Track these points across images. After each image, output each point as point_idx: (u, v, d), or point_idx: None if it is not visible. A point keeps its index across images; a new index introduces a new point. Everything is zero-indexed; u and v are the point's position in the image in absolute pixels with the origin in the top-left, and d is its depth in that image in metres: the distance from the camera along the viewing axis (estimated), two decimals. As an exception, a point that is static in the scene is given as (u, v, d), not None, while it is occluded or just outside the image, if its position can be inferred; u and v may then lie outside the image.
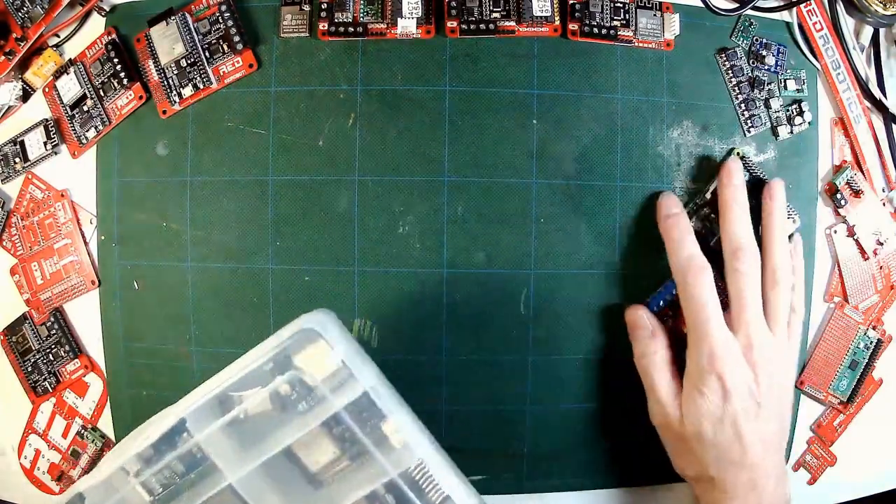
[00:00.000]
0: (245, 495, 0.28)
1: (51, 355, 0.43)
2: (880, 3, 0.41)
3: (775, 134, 0.41)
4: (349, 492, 0.29)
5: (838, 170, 0.43)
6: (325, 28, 0.39)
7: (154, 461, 0.29)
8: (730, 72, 0.41)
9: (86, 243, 0.42)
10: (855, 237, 0.43)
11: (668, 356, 0.38)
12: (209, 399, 0.28)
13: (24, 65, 0.42)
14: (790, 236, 0.40)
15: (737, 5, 0.41)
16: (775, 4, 0.41)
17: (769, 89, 0.41)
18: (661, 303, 0.40)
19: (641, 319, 0.39)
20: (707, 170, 0.41)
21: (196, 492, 0.29)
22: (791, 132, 0.41)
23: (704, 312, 0.35)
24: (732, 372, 0.34)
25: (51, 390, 0.43)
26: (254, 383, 0.28)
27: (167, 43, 0.39)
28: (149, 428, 0.29)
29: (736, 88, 0.41)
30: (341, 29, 0.38)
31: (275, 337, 0.29)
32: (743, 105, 0.41)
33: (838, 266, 0.43)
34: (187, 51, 0.39)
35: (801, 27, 0.42)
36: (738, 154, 0.40)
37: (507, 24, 0.39)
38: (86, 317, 0.42)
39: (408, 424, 0.29)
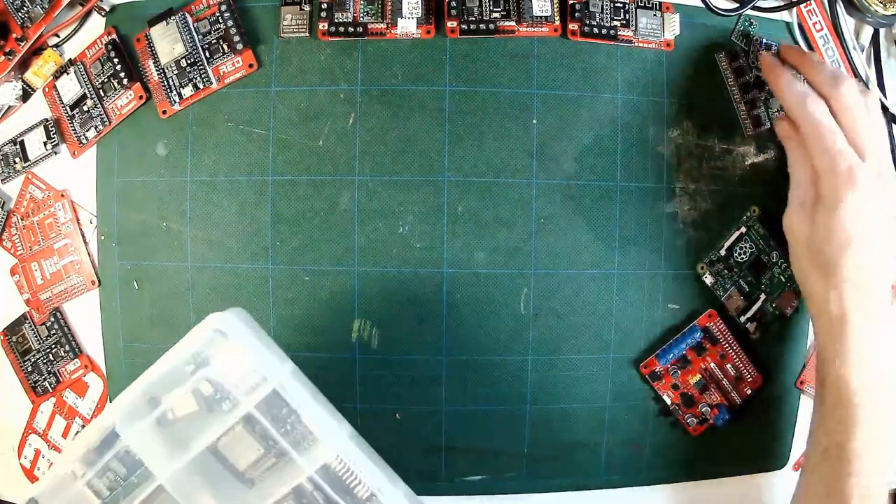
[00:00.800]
0: (176, 495, 0.28)
1: (51, 355, 0.43)
2: (880, 3, 0.41)
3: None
4: (276, 489, 0.29)
5: (838, 170, 0.43)
6: (325, 28, 0.39)
7: (96, 464, 0.29)
8: (729, 72, 0.41)
9: (86, 243, 0.42)
10: (855, 237, 0.43)
11: None
12: (134, 400, 0.29)
13: (24, 65, 0.42)
14: None
15: (737, 5, 0.41)
16: (775, 4, 0.41)
17: (769, 89, 0.41)
18: (671, 356, 0.40)
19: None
20: (707, 170, 0.41)
21: (135, 494, 0.29)
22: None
23: (834, 133, 0.36)
24: (869, 188, 0.35)
25: (51, 390, 0.43)
26: (175, 384, 0.29)
27: (167, 43, 0.39)
28: (89, 431, 0.30)
29: (735, 89, 0.41)
30: (341, 29, 0.38)
31: (186, 338, 0.29)
32: (743, 105, 0.41)
33: (838, 266, 0.43)
34: (187, 51, 0.39)
35: (801, 27, 0.42)
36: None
37: (507, 24, 0.39)
38: (86, 317, 0.42)
39: (323, 421, 0.29)
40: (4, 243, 0.43)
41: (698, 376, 0.41)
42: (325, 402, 0.30)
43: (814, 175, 0.36)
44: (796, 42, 0.42)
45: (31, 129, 0.42)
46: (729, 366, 0.41)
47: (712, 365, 0.41)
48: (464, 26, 0.38)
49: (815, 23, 0.42)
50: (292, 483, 0.29)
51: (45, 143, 0.42)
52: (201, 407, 0.29)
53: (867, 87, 0.42)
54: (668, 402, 0.41)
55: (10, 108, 0.42)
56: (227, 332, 0.29)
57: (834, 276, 0.35)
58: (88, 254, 0.42)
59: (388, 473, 0.31)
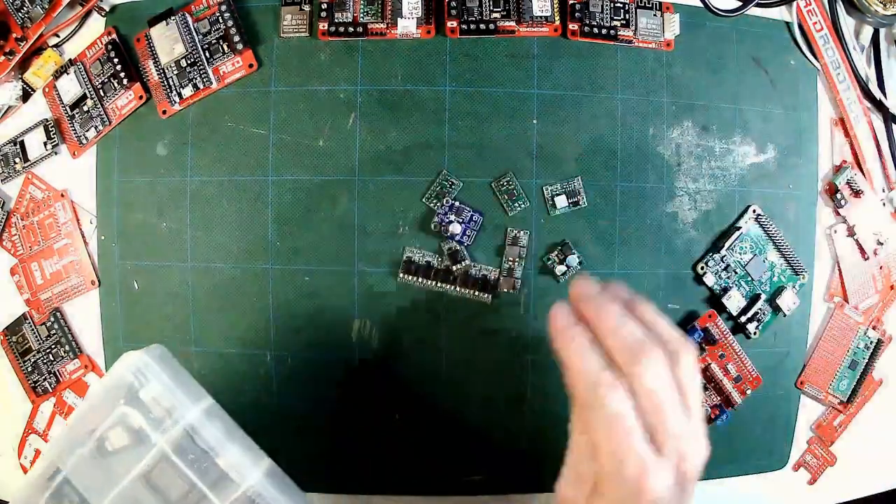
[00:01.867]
0: None
1: (51, 355, 0.43)
2: (880, 3, 0.41)
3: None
4: None
5: (838, 170, 0.43)
6: (325, 28, 0.39)
7: (46, 491, 0.30)
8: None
9: (86, 243, 0.42)
10: (855, 237, 0.43)
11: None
12: (69, 434, 0.31)
13: (24, 65, 0.42)
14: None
15: (737, 5, 0.41)
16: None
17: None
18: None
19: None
20: (707, 170, 0.41)
21: None
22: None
23: (628, 432, 0.29)
24: (663, 492, 0.29)
25: (51, 390, 0.43)
26: (100, 421, 0.30)
27: (167, 43, 0.39)
28: (36, 464, 0.31)
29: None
30: (341, 29, 0.38)
31: (106, 375, 0.31)
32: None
33: (838, 266, 0.43)
34: (187, 51, 0.39)
35: (801, 27, 0.42)
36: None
37: (507, 24, 0.39)
38: (86, 317, 0.42)
39: (237, 460, 0.30)
40: (4, 243, 0.43)
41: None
42: (242, 438, 0.31)
43: (597, 452, 0.30)
44: (796, 42, 0.42)
45: (31, 129, 0.42)
46: (729, 365, 0.41)
47: (713, 365, 0.41)
48: (464, 26, 0.38)
49: (815, 23, 0.42)
50: None
51: (45, 143, 0.42)
52: (133, 440, 0.30)
53: (686, 343, 0.31)
54: (668, 402, 0.41)
55: (10, 108, 0.42)
56: (141, 372, 0.30)
57: None
58: (88, 254, 0.42)
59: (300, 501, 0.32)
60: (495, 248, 0.40)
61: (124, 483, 0.29)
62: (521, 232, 0.39)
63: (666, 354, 0.30)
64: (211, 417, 0.30)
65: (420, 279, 0.39)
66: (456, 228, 0.38)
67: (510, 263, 0.39)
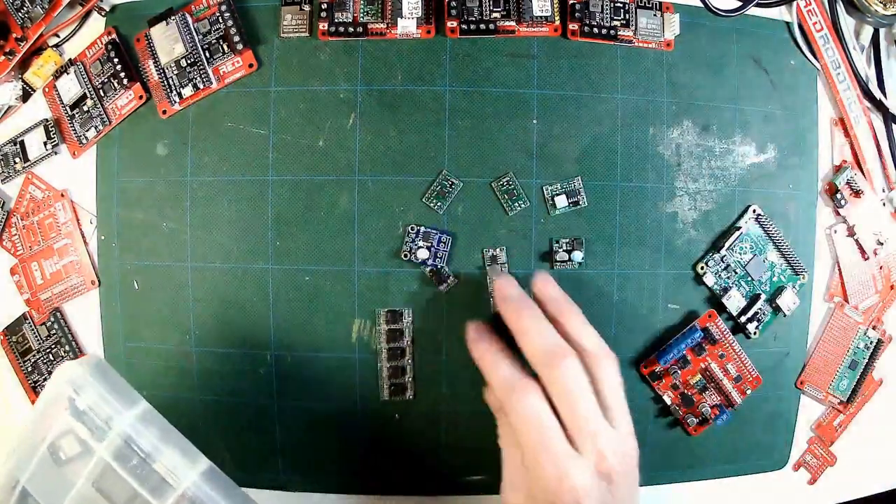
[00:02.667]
0: None
1: (51, 355, 0.43)
2: (880, 3, 0.41)
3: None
4: None
5: (838, 170, 0.43)
6: (325, 28, 0.39)
7: (10, 501, 0.32)
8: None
9: (86, 243, 0.42)
10: (855, 237, 0.43)
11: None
12: (22, 445, 0.32)
13: (24, 65, 0.42)
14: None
15: (737, 5, 0.41)
16: None
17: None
18: (671, 356, 0.40)
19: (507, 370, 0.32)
20: (707, 170, 0.41)
21: None
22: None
23: (542, 431, 0.30)
24: (584, 486, 0.29)
25: (51, 390, 0.43)
26: (47, 430, 0.31)
27: (167, 43, 0.39)
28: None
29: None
30: (341, 29, 0.38)
31: (45, 388, 0.32)
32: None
33: (838, 266, 0.43)
34: (187, 51, 0.39)
35: (801, 27, 0.42)
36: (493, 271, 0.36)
37: (507, 24, 0.39)
38: (86, 317, 0.42)
39: (173, 462, 0.30)
40: (4, 243, 0.43)
41: (698, 376, 0.41)
42: (178, 440, 0.32)
43: (523, 457, 0.31)
44: (796, 42, 0.42)
45: (31, 129, 0.42)
46: (729, 365, 0.41)
47: (713, 365, 0.41)
48: (464, 26, 0.38)
49: (815, 23, 0.42)
50: None
51: (45, 143, 0.42)
52: (83, 448, 0.31)
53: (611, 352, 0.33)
54: (668, 402, 0.41)
55: (10, 108, 0.42)
56: (76, 383, 0.31)
57: None
58: (88, 254, 0.42)
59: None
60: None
61: (72, 494, 0.31)
62: (499, 250, 0.39)
63: (582, 360, 0.31)
64: (146, 423, 0.31)
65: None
66: (423, 254, 0.38)
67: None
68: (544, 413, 0.30)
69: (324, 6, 0.39)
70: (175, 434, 0.31)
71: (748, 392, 0.42)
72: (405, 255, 0.38)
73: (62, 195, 0.42)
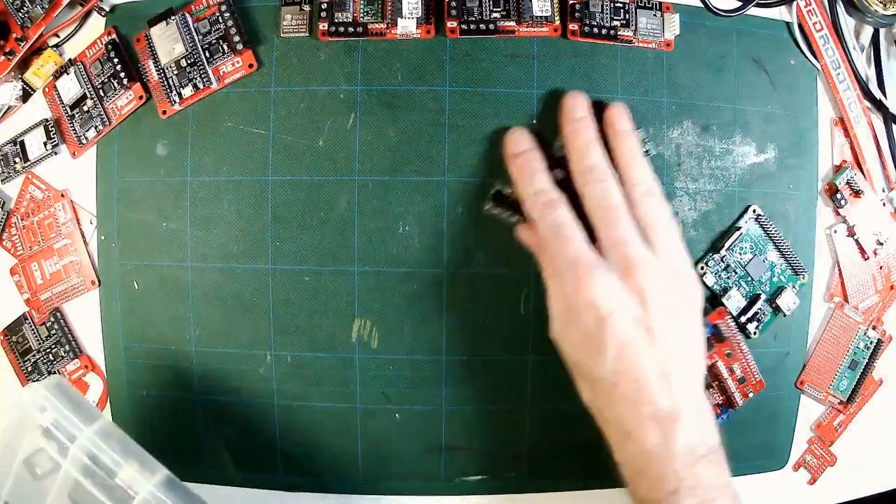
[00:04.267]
0: None
1: (51, 355, 0.43)
2: (880, 3, 0.41)
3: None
4: None
5: (838, 170, 0.43)
6: (325, 28, 0.39)
7: None
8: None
9: (86, 243, 0.42)
10: (855, 237, 0.43)
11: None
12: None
13: (24, 65, 0.42)
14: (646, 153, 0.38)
15: (737, 5, 0.41)
16: None
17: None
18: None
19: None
20: (707, 170, 0.41)
21: None
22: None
23: (561, 235, 0.30)
24: (607, 296, 0.28)
25: (51, 390, 0.43)
26: (19, 449, 0.33)
27: (167, 43, 0.39)
28: None
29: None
30: (341, 29, 0.38)
31: (11, 410, 0.33)
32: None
33: (838, 266, 0.43)
34: (187, 51, 0.39)
35: (801, 27, 0.42)
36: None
37: (507, 24, 0.39)
38: (86, 317, 0.42)
39: (128, 472, 0.31)
40: (4, 243, 0.43)
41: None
42: (138, 453, 0.33)
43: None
44: (796, 42, 0.42)
45: (31, 129, 0.42)
46: (735, 366, 0.41)
47: (719, 363, 0.41)
48: (464, 26, 0.38)
49: (815, 23, 0.42)
50: None
51: (45, 143, 0.42)
52: (54, 465, 0.32)
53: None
54: (668, 402, 0.41)
55: (10, 108, 0.42)
56: (39, 404, 0.32)
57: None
58: (88, 254, 0.42)
59: None
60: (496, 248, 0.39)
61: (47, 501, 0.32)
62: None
63: (626, 190, 0.32)
64: (106, 438, 0.32)
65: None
66: None
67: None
68: (569, 223, 0.30)
69: (324, 6, 0.39)
70: (135, 447, 0.33)
71: (750, 395, 0.42)
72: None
73: (62, 195, 0.42)
